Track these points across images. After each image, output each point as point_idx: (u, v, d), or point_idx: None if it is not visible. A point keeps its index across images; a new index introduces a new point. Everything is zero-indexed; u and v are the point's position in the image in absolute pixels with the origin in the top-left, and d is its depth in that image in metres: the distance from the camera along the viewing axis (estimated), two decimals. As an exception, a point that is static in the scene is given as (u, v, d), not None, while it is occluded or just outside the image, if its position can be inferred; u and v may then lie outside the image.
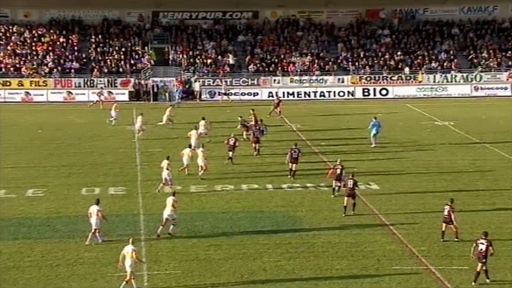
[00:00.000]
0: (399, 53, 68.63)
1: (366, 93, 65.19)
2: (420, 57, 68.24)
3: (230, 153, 39.63)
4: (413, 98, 64.53)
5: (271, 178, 37.08)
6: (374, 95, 65.09)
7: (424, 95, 65.33)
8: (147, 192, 34.58)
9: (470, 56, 68.71)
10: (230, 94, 62.97)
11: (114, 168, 39.27)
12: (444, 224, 27.96)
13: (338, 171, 33.69)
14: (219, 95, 63.40)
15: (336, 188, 33.65)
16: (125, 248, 24.33)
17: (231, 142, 39.81)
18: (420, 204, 33.01)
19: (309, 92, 64.62)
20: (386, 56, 68.26)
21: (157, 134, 48.37)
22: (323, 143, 45.42)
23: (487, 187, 35.68)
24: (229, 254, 26.81)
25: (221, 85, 63.88)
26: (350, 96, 64.76)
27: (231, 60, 66.40)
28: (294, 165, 36.61)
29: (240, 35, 70.10)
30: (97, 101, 58.78)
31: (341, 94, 64.89)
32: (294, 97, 64.00)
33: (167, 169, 34.09)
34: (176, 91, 61.24)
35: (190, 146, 38.47)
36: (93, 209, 27.85)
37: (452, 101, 63.10)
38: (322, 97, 64.20)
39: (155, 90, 63.26)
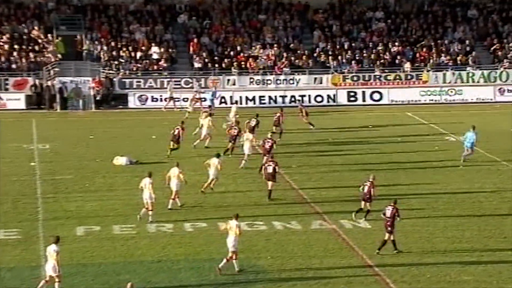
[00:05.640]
0: (396, 43, 69.35)
1: (352, 98, 65.66)
2: (425, 49, 69.02)
3: (265, 158, 42.26)
4: (416, 104, 65.18)
5: (224, 213, 37.03)
6: (363, 100, 65.59)
7: (430, 100, 66.02)
8: (52, 236, 34.18)
9: (493, 47, 69.66)
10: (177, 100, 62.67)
11: (4, 203, 38.90)
12: None
13: (366, 188, 35.20)
14: (153, 100, 63.36)
15: (364, 211, 35.43)
16: None
17: (267, 146, 43.40)
18: (426, 247, 33.13)
19: (275, 96, 64.86)
20: (379, 48, 68.93)
21: (69, 154, 48.07)
22: (294, 165, 45.60)
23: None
24: (166, 319, 26.80)
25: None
26: (331, 102, 65.19)
27: (154, 53, 66.21)
28: (270, 183, 38.69)
29: (180, 18, 70.23)
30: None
31: (319, 99, 65.28)
32: (254, 103, 64.13)
33: (150, 189, 35.63)
34: (210, 94, 61.38)
35: (218, 156, 40.23)
36: (50, 249, 28.30)
37: (468, 108, 63.78)
38: (292, 103, 64.46)
39: (64, 94, 62.96)
